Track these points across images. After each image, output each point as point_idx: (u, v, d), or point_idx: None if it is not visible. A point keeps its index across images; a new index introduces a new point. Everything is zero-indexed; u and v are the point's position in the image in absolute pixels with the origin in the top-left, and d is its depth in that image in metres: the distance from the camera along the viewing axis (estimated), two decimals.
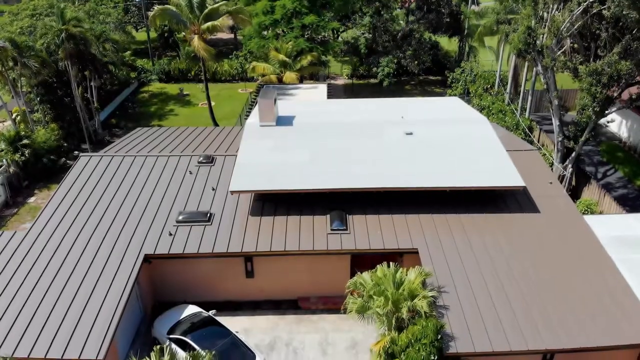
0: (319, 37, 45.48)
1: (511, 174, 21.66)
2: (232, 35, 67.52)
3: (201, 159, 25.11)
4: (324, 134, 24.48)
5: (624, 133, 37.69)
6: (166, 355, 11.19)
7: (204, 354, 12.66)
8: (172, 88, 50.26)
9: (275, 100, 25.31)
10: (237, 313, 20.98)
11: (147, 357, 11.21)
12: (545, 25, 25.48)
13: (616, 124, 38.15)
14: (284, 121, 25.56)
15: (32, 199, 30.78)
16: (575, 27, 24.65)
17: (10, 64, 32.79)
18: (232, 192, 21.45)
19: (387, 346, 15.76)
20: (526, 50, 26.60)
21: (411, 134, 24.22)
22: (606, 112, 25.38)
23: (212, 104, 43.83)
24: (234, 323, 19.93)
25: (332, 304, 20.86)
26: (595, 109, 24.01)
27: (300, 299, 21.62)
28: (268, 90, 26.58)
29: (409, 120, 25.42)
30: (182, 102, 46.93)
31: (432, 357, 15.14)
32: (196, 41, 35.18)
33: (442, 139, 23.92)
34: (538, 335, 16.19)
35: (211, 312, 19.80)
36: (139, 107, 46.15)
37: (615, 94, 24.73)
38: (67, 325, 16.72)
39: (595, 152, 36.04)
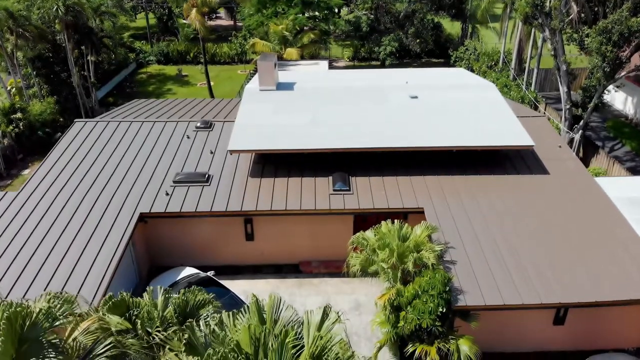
0: (321, 15, 44.68)
1: (520, 134, 20.97)
2: (231, 22, 67.00)
3: (199, 124, 24.39)
4: (326, 98, 23.77)
5: (630, 110, 37.07)
6: (160, 293, 10.49)
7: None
8: (170, 69, 49.57)
9: (275, 65, 24.58)
10: (237, 277, 20.27)
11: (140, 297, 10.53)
12: None
13: (622, 101, 37.62)
14: (285, 86, 24.85)
15: (26, 171, 30.08)
16: None
17: (7, 35, 32.09)
18: (231, 152, 20.72)
19: (393, 298, 15.03)
20: (533, 16, 25.89)
21: (416, 97, 23.52)
22: (616, 75, 24.63)
23: (212, 84, 43.23)
24: (233, 286, 19.18)
25: (334, 268, 20.18)
26: (605, 70, 23.27)
27: (302, 263, 20.93)
28: (268, 54, 25.86)
29: (413, 85, 24.70)
30: (180, 83, 46.23)
31: (441, 309, 14.42)
32: (194, 14, 34.48)
33: (448, 102, 23.20)
34: (551, 290, 15.48)
35: (210, 273, 19.10)
36: (136, 87, 45.44)
37: (625, 57, 23.98)
38: (57, 283, 15.93)
39: (602, 128, 35.44)
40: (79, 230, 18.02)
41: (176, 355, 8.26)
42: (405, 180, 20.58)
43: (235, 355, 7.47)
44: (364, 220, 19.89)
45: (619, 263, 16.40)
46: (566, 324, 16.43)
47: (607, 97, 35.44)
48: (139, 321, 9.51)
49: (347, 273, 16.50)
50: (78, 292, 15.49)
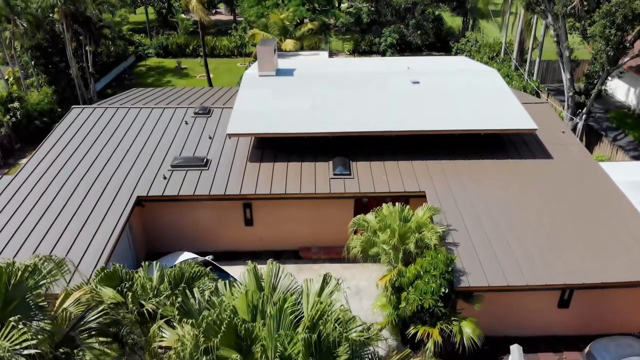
0: (320, 5, 44.38)
1: (523, 118, 20.66)
2: (231, 17, 66.71)
3: (197, 110, 24.08)
4: (327, 84, 23.46)
5: (632, 101, 36.80)
6: (155, 268, 10.18)
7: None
8: (170, 62, 49.25)
9: (275, 50, 24.28)
10: (236, 263, 19.91)
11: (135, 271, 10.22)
12: None
13: (624, 92, 37.37)
14: (285, 72, 24.53)
15: (23, 161, 29.65)
16: None
17: (5, 24, 31.79)
18: (230, 135, 20.41)
19: (394, 279, 14.71)
20: (536, 2, 25.57)
21: (418, 82, 23.21)
22: (619, 62, 24.32)
23: (211, 76, 42.95)
24: (231, 271, 18.89)
25: (334, 254, 19.85)
26: (609, 54, 22.94)
27: (302, 249, 20.63)
28: (267, 40, 25.55)
29: (415, 71, 24.39)
30: (179, 75, 45.92)
31: (443, 290, 14.10)
32: (194, 2, 34.19)
33: (450, 87, 22.90)
34: (556, 271, 15.17)
35: (208, 257, 18.77)
36: (135, 79, 45.10)
37: (629, 42, 23.65)
38: None
39: (604, 119, 35.15)
40: (74, 214, 17.72)
41: (169, 323, 7.96)
42: (407, 164, 20.28)
43: (232, 317, 7.16)
44: (365, 206, 19.58)
45: (625, 245, 16.08)
46: (571, 307, 16.11)
47: (610, 86, 35.18)
48: (130, 294, 9.19)
49: (347, 257, 16.18)
50: (72, 275, 15.19)
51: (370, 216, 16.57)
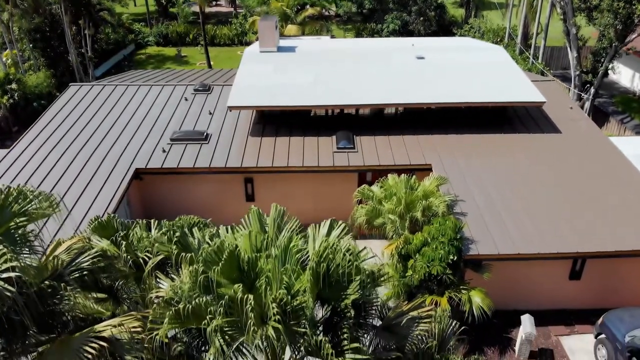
0: None
1: (530, 91, 20.17)
2: (231, 9, 66.21)
3: (197, 87, 23.59)
4: (330, 60, 22.96)
5: (637, 86, 36.37)
6: (154, 227, 9.68)
7: None
8: (169, 51, 48.68)
9: (276, 26, 23.79)
10: None
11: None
12: None
13: (629, 78, 36.94)
14: (286, 49, 24.03)
15: None
16: None
17: (3, 4, 31.31)
18: (231, 108, 19.89)
19: (401, 247, 14.23)
20: None
21: (423, 58, 22.71)
22: (627, 39, 23.82)
23: (211, 63, 42.48)
24: None
25: None
26: (617, 27, 22.40)
27: (305, 225, 20.08)
28: (268, 15, 25.04)
29: (420, 47, 23.89)
30: (179, 62, 45.38)
31: (452, 257, 13.60)
32: None
33: (456, 62, 22.39)
34: (568, 240, 14.69)
35: None
36: (135, 66, 44.55)
37: (637, 16, 23.11)
38: (45, 239, 15.14)
39: (610, 103, 34.70)
40: (70, 186, 17.23)
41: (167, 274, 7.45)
42: (412, 139, 19.79)
43: (235, 248, 6.67)
44: (369, 184, 19.10)
45: (638, 215, 15.60)
46: (583, 279, 15.60)
47: (615, 71, 34.74)
48: (124, 243, 8.68)
49: (351, 228, 15.65)
50: (64, 220, 14.67)
51: (375, 188, 16.10)
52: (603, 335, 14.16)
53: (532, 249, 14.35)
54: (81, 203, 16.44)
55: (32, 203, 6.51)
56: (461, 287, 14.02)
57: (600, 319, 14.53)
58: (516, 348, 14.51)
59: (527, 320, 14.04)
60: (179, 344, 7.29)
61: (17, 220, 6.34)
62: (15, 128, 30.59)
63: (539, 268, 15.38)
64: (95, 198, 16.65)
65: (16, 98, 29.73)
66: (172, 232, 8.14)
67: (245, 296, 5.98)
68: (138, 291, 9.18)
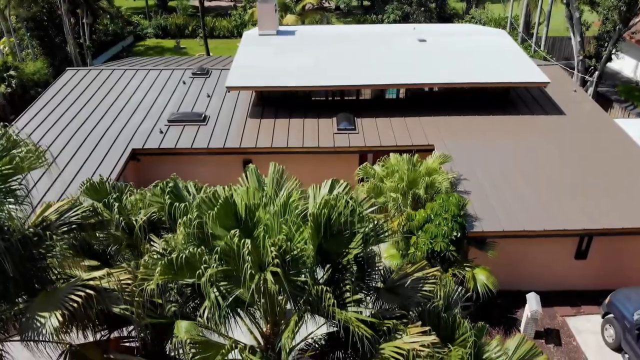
0: None
1: (534, 71, 19.83)
2: (231, 3, 65.85)
3: (196, 70, 23.25)
4: (330, 43, 22.61)
5: None
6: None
7: None
8: (168, 43, 48.36)
9: (276, 9, 23.44)
10: None
11: None
12: None
13: (631, 68, 36.69)
14: (286, 33, 23.71)
15: None
16: None
17: None
18: (229, 89, 19.53)
19: (403, 224, 13.90)
20: None
21: (425, 41, 22.36)
22: (631, 22, 23.45)
23: (211, 54, 42.16)
24: None
25: None
26: (621, 9, 22.04)
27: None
28: None
29: (421, 31, 23.54)
30: (178, 54, 45.02)
31: (455, 234, 13.27)
32: None
33: (458, 44, 22.04)
34: (574, 217, 14.37)
35: None
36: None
37: None
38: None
39: (613, 92, 34.40)
40: (66, 165, 16.88)
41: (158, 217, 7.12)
42: (414, 120, 19.45)
43: (230, 195, 6.34)
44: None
45: None
46: (589, 259, 15.26)
47: (616, 66, 34.51)
48: (117, 204, 8.34)
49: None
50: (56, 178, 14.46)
51: (377, 167, 15.78)
52: (611, 315, 13.83)
53: (537, 226, 14.02)
54: (76, 183, 16.08)
55: (18, 147, 6.16)
56: (465, 265, 13.70)
57: (608, 298, 14.19)
58: (521, 327, 14.18)
59: (532, 298, 13.71)
60: (174, 304, 6.98)
61: (2, 168, 6.00)
62: (12, 116, 30.22)
63: (544, 247, 15.03)
64: (91, 178, 16.25)
65: (14, 86, 29.36)
66: (164, 183, 7.79)
67: (242, 241, 5.64)
68: (132, 260, 8.84)
